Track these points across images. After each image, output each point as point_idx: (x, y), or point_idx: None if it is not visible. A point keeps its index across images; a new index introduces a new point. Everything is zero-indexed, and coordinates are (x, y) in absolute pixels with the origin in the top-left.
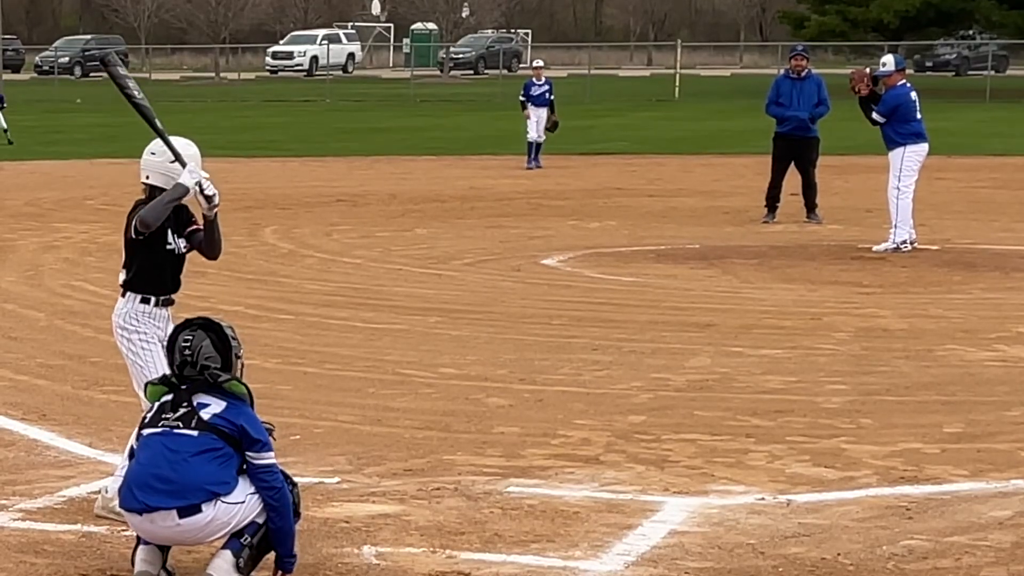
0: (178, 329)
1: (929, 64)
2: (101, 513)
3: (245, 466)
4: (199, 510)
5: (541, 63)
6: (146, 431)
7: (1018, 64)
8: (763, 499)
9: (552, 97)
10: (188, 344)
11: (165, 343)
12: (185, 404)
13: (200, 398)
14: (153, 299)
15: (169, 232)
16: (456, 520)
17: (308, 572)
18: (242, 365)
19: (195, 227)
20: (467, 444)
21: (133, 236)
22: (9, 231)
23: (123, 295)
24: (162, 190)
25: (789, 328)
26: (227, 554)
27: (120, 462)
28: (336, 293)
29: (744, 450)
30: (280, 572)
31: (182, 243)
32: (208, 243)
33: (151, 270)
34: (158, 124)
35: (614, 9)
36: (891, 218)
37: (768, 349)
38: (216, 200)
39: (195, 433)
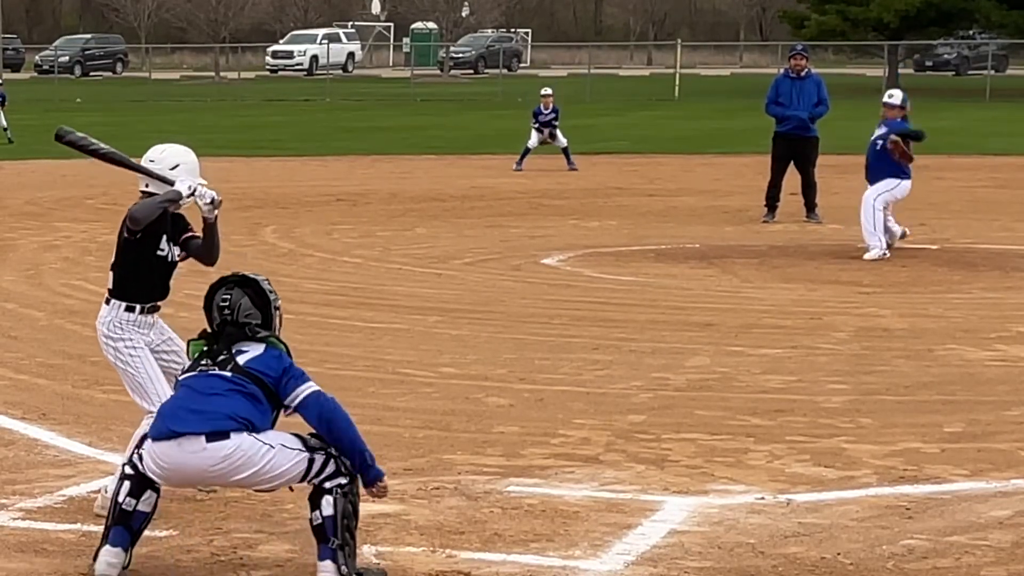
0: (214, 288)
1: (929, 64)
2: (101, 512)
3: (285, 411)
4: (227, 436)
5: (550, 92)
6: (183, 376)
7: (1018, 64)
8: (763, 498)
9: (557, 123)
10: (227, 303)
11: (155, 344)
12: (225, 352)
13: (239, 346)
14: (138, 307)
15: (163, 238)
16: (456, 519)
17: (307, 572)
18: (280, 316)
19: (191, 234)
20: (467, 443)
21: (125, 235)
22: (9, 230)
23: (107, 302)
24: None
25: (789, 328)
26: (326, 564)
27: (121, 462)
28: (336, 292)
29: (744, 449)
30: (369, 490)
31: (176, 250)
32: (207, 248)
33: (138, 276)
34: (133, 162)
35: (614, 8)
36: (868, 226)
37: (768, 348)
38: (216, 201)
39: (229, 374)
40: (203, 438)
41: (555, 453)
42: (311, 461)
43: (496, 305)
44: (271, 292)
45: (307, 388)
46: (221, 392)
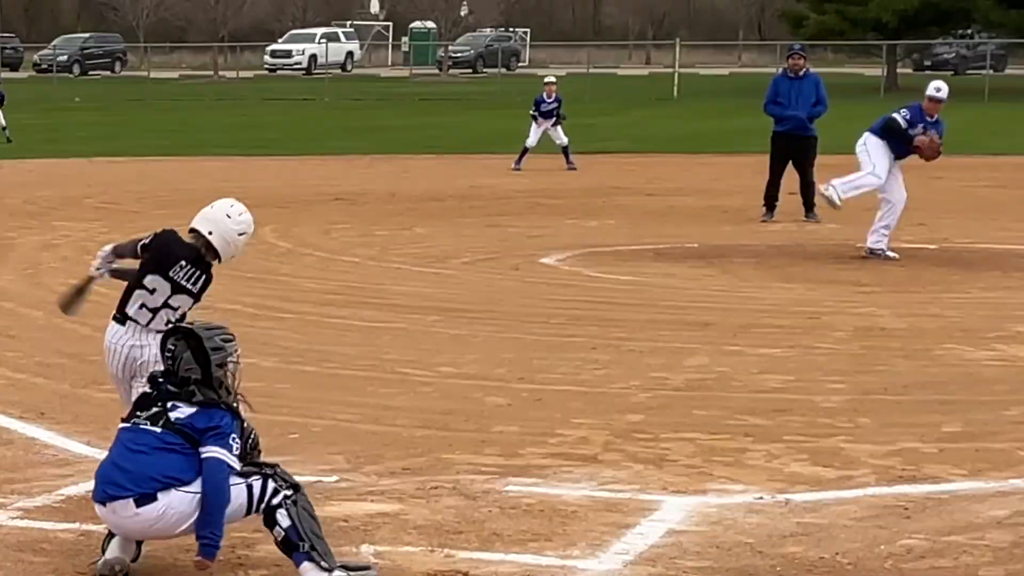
0: (167, 334)
1: (928, 63)
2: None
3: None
4: (155, 498)
5: (553, 80)
6: (121, 425)
7: (1016, 63)
8: (761, 498)
9: (560, 111)
10: (171, 353)
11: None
12: (159, 404)
13: (175, 401)
14: None
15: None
16: (454, 519)
17: None
18: (237, 370)
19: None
20: (465, 443)
21: None
22: (8, 229)
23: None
24: (215, 253)
25: (788, 327)
26: (305, 565)
27: None
28: (335, 292)
29: (742, 449)
30: (197, 557)
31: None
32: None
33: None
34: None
35: (613, 8)
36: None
37: (766, 348)
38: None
39: (158, 430)
40: (131, 503)
41: (553, 452)
42: (249, 487)
43: (495, 304)
44: (216, 350)
45: (213, 452)
46: (147, 451)
